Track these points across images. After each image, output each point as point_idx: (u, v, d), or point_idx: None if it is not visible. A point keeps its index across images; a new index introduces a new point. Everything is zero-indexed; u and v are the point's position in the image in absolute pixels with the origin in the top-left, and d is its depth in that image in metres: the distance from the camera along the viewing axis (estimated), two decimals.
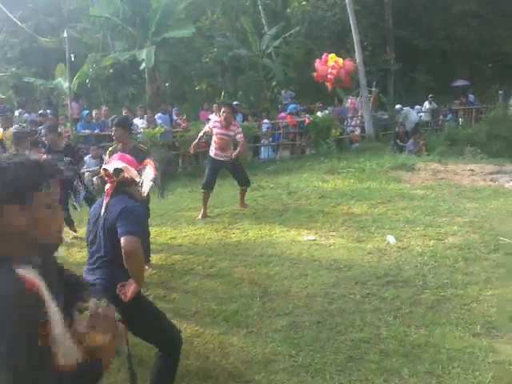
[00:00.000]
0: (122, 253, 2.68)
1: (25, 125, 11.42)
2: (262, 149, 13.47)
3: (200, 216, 7.41)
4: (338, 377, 3.19)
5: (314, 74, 16.75)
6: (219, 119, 7.49)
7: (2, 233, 1.40)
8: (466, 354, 3.36)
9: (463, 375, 3.13)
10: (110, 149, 5.49)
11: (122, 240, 2.69)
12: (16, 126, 8.92)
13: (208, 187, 7.55)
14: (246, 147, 8.11)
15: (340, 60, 16.14)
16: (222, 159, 7.52)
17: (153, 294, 4.66)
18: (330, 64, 16.07)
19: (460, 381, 3.08)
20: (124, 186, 2.93)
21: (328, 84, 16.55)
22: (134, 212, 2.83)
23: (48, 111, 13.75)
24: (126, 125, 5.45)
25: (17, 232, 1.41)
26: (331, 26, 22.83)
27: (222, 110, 7.45)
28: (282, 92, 19.35)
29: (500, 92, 21.83)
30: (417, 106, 17.89)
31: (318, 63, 16.68)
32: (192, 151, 8.02)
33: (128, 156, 3.08)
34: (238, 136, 7.43)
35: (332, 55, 16.45)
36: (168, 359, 2.91)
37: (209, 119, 13.03)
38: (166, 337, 2.95)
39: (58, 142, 6.79)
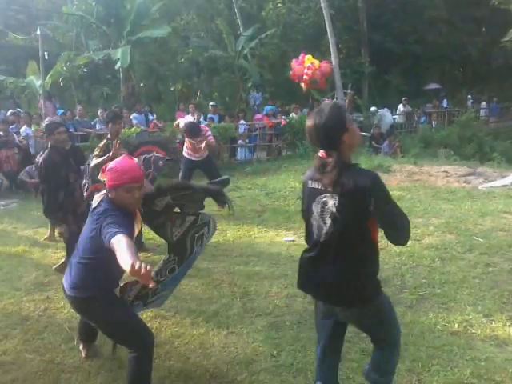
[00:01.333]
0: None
1: None
2: (239, 150, 13.46)
3: None
4: None
5: (291, 73, 16.80)
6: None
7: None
8: (445, 352, 3.41)
9: (442, 372, 3.17)
10: (101, 145, 5.35)
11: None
12: None
13: None
14: (217, 147, 8.18)
15: (316, 62, 16.23)
16: (194, 159, 7.49)
17: None
18: (306, 65, 16.14)
19: (439, 378, 3.12)
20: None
21: (303, 84, 16.64)
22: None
23: (19, 110, 13.46)
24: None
25: None
26: (305, 28, 23.02)
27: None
28: (254, 93, 19.40)
29: (468, 96, 22.34)
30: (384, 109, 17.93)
31: (294, 63, 16.73)
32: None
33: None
34: (209, 138, 7.47)
35: (309, 56, 16.54)
36: (141, 361, 2.89)
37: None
38: (137, 338, 2.93)
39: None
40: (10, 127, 10.49)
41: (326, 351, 2.68)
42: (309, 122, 2.42)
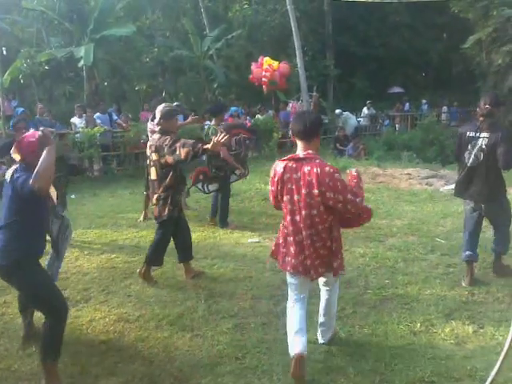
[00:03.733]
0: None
1: None
2: None
3: (142, 217, 7.27)
4: (284, 378, 3.18)
5: (250, 76, 16.82)
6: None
7: None
8: (407, 351, 3.46)
9: (405, 371, 3.22)
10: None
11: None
12: None
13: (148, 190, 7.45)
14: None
15: (275, 63, 16.25)
16: None
17: (93, 298, 4.49)
18: (264, 67, 16.18)
19: (402, 377, 3.16)
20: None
21: (264, 87, 16.69)
22: None
23: None
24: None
25: None
26: (271, 30, 23.07)
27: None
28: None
29: (423, 101, 22.88)
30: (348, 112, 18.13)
31: (253, 66, 16.72)
32: None
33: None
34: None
35: (267, 58, 16.54)
36: (53, 328, 3.14)
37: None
38: (54, 305, 3.18)
39: None
40: None
41: (472, 234, 4.69)
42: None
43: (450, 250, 5.51)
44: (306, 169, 3.09)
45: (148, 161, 4.79)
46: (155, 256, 4.83)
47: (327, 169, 3.07)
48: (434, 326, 3.81)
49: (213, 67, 20.69)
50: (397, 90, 25.11)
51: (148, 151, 4.77)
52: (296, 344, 3.13)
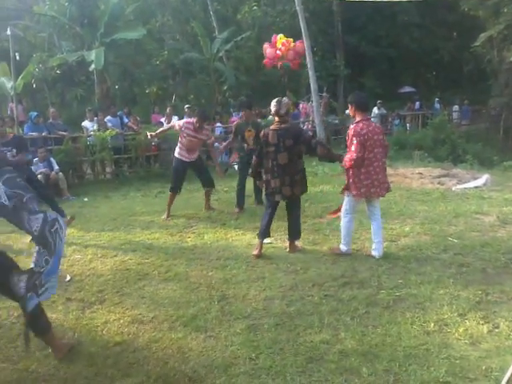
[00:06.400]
0: None
1: None
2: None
3: (165, 216, 7.48)
4: (298, 378, 3.19)
5: (265, 60, 16.82)
6: (192, 121, 7.44)
7: None
8: (421, 351, 3.44)
9: (419, 371, 3.20)
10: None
11: None
12: None
13: (174, 190, 7.60)
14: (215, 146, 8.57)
15: (291, 40, 16.27)
16: (187, 160, 7.50)
17: (108, 300, 4.54)
18: (278, 45, 16.19)
19: (416, 377, 3.15)
20: None
21: (278, 65, 16.67)
22: None
23: None
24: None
25: None
26: (281, 31, 23.07)
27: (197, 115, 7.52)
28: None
29: (436, 99, 22.73)
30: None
31: (266, 46, 16.68)
32: (149, 137, 8.49)
33: None
34: (212, 140, 7.88)
35: (280, 35, 16.51)
36: None
37: (161, 122, 12.91)
38: None
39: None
40: None
41: None
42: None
43: (462, 249, 5.47)
44: (374, 125, 5.36)
45: (269, 148, 5.41)
46: (299, 229, 5.72)
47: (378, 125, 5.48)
48: (448, 325, 3.79)
49: (223, 69, 20.75)
50: (407, 89, 25.00)
51: (272, 139, 5.39)
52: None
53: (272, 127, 5.49)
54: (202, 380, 3.22)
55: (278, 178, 5.42)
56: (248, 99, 9.97)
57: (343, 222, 5.42)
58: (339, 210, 5.62)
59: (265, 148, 5.46)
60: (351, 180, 5.22)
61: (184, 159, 7.50)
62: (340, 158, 5.41)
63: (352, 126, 5.18)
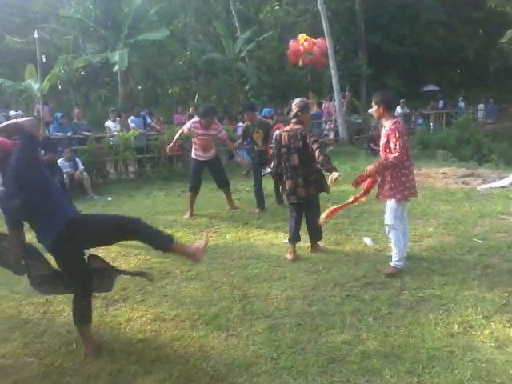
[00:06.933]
0: None
1: None
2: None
3: (188, 215, 7.55)
4: (320, 378, 3.18)
5: (288, 51, 16.96)
6: (198, 120, 7.50)
7: None
8: (445, 353, 3.39)
9: (443, 374, 3.16)
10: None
11: None
12: None
13: (192, 190, 7.64)
14: (230, 143, 8.50)
15: (312, 39, 16.40)
16: (202, 159, 7.55)
17: (131, 298, 4.59)
18: (301, 42, 16.30)
19: (440, 379, 3.11)
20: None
21: (300, 60, 16.72)
22: None
23: (19, 112, 13.49)
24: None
25: None
26: (303, 31, 23.05)
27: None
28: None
29: (460, 98, 22.38)
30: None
31: (291, 43, 16.81)
32: (168, 151, 8.24)
33: None
34: (222, 133, 7.70)
35: (302, 34, 16.59)
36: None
37: (183, 122, 13.01)
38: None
39: None
40: None
41: None
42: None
43: (487, 250, 5.37)
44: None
45: (282, 149, 5.38)
46: (319, 230, 5.61)
47: None
48: (473, 328, 3.73)
49: (245, 69, 20.80)
50: (431, 87, 24.68)
51: (284, 140, 5.36)
52: None
53: (286, 128, 5.49)
54: (223, 378, 3.23)
55: (291, 179, 5.39)
56: (250, 102, 10.10)
57: (395, 235, 4.88)
58: (336, 209, 5.34)
59: (279, 149, 5.46)
60: (392, 184, 4.82)
61: (200, 159, 7.56)
62: (334, 171, 5.04)
63: (392, 125, 4.77)
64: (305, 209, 5.56)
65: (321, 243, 5.76)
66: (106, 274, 3.79)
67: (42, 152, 6.79)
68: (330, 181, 5.03)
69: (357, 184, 5.10)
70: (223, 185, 7.87)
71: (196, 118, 7.87)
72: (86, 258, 3.58)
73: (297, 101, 5.47)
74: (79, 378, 3.28)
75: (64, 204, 3.41)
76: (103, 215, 4.32)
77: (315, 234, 5.62)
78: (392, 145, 4.73)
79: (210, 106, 8.97)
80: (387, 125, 4.84)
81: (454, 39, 25.38)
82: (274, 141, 5.67)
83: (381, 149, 4.98)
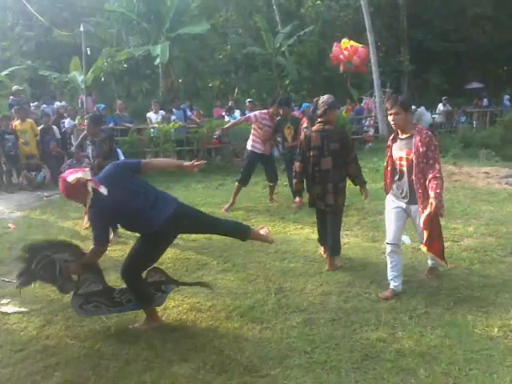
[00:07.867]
0: None
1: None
2: None
3: (227, 206, 7.67)
4: (353, 374, 3.17)
5: (331, 55, 17.12)
6: (267, 111, 7.70)
7: None
8: (483, 357, 3.33)
9: (480, 377, 3.10)
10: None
11: None
12: None
13: (242, 182, 7.78)
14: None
15: (355, 44, 16.36)
16: (260, 152, 7.64)
17: None
18: (343, 48, 16.36)
19: (477, 383, 3.05)
20: None
21: (341, 66, 16.76)
22: None
23: (64, 103, 13.92)
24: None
25: None
26: (344, 26, 22.80)
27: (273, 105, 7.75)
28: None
29: (506, 96, 21.64)
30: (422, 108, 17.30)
31: (334, 47, 16.92)
32: (220, 133, 9.25)
33: None
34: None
35: (344, 40, 16.58)
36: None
37: (222, 116, 13.13)
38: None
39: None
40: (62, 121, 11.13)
41: None
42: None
43: None
44: None
45: (312, 151, 4.89)
46: (338, 244, 5.04)
47: None
48: None
49: (285, 64, 20.74)
50: (475, 85, 23.98)
51: (314, 141, 4.88)
52: None
53: (314, 128, 4.98)
54: (256, 370, 3.26)
55: (320, 184, 4.91)
56: (286, 97, 10.04)
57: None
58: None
59: (306, 152, 4.95)
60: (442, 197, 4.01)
61: (258, 151, 7.66)
62: (364, 185, 4.95)
63: (429, 134, 4.05)
64: (328, 216, 5.04)
65: (338, 261, 5.11)
66: (162, 289, 3.96)
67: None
68: (364, 197, 5.10)
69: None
70: (274, 179, 8.00)
71: (263, 110, 7.96)
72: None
73: (324, 98, 5.01)
74: (118, 362, 3.37)
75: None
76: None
77: (333, 246, 5.01)
78: (438, 158, 4.07)
79: (287, 97, 9.20)
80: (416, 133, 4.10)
81: (502, 34, 24.56)
82: (301, 143, 5.12)
83: (415, 160, 4.05)
